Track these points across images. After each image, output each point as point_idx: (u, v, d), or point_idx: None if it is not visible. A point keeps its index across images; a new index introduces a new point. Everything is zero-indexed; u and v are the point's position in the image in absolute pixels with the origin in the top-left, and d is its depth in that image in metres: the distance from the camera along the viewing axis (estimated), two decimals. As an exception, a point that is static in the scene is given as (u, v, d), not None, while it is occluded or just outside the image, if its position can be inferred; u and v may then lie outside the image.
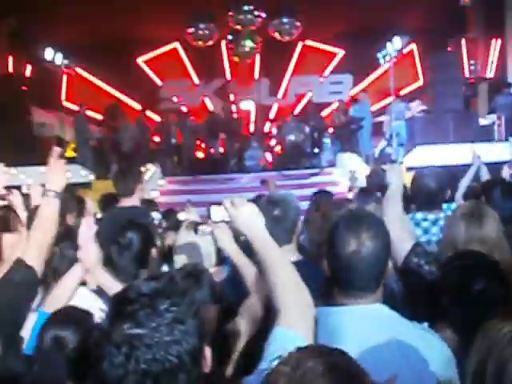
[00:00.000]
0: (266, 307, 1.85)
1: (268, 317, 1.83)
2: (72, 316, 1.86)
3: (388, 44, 11.07)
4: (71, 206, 3.55)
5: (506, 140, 9.70)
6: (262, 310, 1.86)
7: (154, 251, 2.54)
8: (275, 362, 0.95)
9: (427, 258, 2.07)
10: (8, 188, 3.17)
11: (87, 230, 1.98)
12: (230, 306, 2.04)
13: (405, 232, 2.17)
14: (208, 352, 1.10)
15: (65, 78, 12.40)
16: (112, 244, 2.45)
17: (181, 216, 3.09)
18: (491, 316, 1.18)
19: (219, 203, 1.67)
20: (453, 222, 2.28)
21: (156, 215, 2.92)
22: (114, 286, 1.85)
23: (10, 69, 12.12)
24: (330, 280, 1.54)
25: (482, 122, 10.40)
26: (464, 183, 4.25)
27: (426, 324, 1.59)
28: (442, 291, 1.69)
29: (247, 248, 2.16)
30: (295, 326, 1.31)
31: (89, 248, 1.98)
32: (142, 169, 9.80)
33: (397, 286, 2.12)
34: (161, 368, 1.00)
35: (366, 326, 1.42)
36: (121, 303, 1.06)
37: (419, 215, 2.99)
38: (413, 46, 12.83)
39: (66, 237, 2.37)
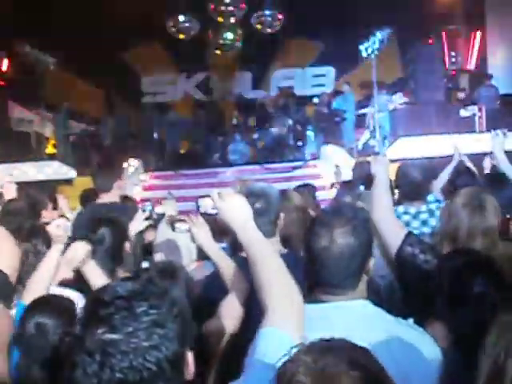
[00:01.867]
0: (246, 306, 1.82)
1: (248, 316, 1.81)
2: (53, 303, 1.85)
3: (370, 36, 11.07)
4: (44, 203, 3.49)
5: (488, 131, 9.79)
6: (242, 309, 1.82)
7: (127, 246, 2.49)
8: (295, 350, 0.90)
9: (421, 246, 2.01)
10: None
11: (56, 230, 1.96)
12: (210, 303, 2.00)
13: (395, 222, 2.14)
14: (190, 357, 1.03)
15: (44, 72, 12.14)
16: (85, 240, 2.41)
17: (158, 209, 3.04)
18: (492, 316, 1.13)
19: (207, 195, 1.63)
20: (453, 212, 2.14)
21: (148, 207, 2.88)
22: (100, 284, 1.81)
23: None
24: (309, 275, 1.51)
25: (463, 113, 10.49)
26: (443, 176, 4.25)
27: (411, 320, 1.55)
28: (439, 290, 1.63)
29: (233, 244, 2.13)
30: (284, 326, 1.24)
31: (73, 246, 1.98)
32: (124, 164, 9.75)
33: (382, 282, 2.08)
34: (138, 377, 0.92)
35: (346, 322, 1.38)
36: (95, 306, 0.98)
37: (400, 208, 2.95)
38: (395, 37, 12.86)
39: (38, 233, 2.33)
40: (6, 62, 11.84)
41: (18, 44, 10.48)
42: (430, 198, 3.03)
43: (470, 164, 4.64)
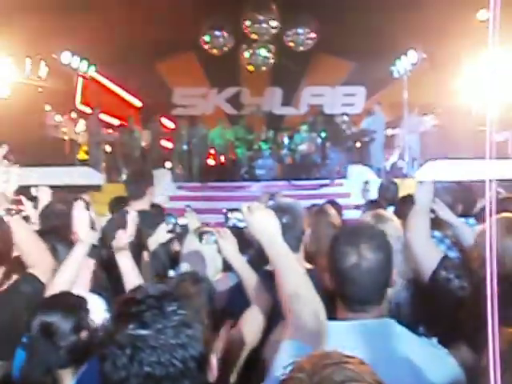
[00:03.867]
0: (268, 318, 1.83)
1: (269, 331, 1.82)
2: (60, 301, 1.79)
3: (403, 57, 11.05)
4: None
5: (521, 157, 9.60)
6: (263, 322, 1.83)
7: (145, 256, 2.52)
8: (290, 368, 0.91)
9: (457, 271, 1.99)
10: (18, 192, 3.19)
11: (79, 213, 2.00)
12: (233, 314, 2.01)
13: (432, 246, 2.13)
14: (214, 360, 1.06)
15: (80, 80, 12.50)
16: (104, 247, 2.45)
17: (181, 221, 3.08)
18: None
19: (236, 209, 1.66)
20: (497, 237, 2.09)
21: (171, 219, 2.91)
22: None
23: (27, 70, 12.24)
24: (332, 293, 1.51)
25: (496, 138, 10.31)
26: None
27: (434, 339, 1.54)
28: (474, 314, 1.60)
29: (257, 257, 2.14)
30: (307, 340, 1.26)
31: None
32: (154, 172, 9.89)
33: (402, 299, 2.06)
34: (164, 372, 0.96)
35: (371, 341, 1.38)
36: (127, 303, 1.03)
37: None
38: (427, 59, 12.79)
39: (58, 234, 2.37)
40: (45, 69, 12.23)
41: (57, 51, 10.82)
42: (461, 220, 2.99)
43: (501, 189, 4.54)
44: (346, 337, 1.39)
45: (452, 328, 1.68)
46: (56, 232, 2.43)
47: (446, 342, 1.57)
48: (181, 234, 2.93)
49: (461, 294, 1.89)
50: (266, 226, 1.46)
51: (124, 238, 2.13)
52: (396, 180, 9.25)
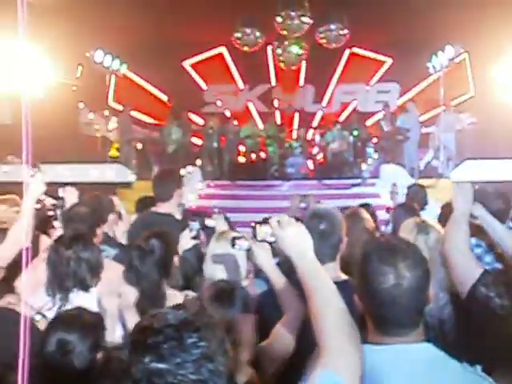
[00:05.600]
0: (299, 334, 1.73)
1: (300, 345, 1.72)
2: (79, 319, 1.72)
3: (440, 53, 10.72)
4: (110, 208, 3.51)
5: None
6: (295, 335, 1.74)
7: (176, 261, 2.47)
8: None
9: (498, 288, 1.83)
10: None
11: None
12: (265, 322, 1.93)
13: (471, 259, 1.98)
14: None
15: (113, 79, 12.64)
16: (134, 249, 2.41)
17: (208, 223, 3.01)
18: None
19: (265, 222, 1.55)
20: None
21: (195, 225, 2.85)
22: None
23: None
24: (363, 316, 1.38)
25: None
26: None
27: (479, 368, 1.40)
28: None
29: (290, 263, 2.05)
30: (340, 369, 1.15)
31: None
32: (182, 171, 9.93)
33: (446, 315, 1.91)
34: None
35: (411, 367, 1.27)
36: (144, 332, 0.94)
37: (472, 240, 2.67)
38: (465, 55, 12.40)
39: (80, 239, 2.34)
40: (79, 68, 12.42)
41: (91, 50, 10.97)
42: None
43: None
44: (383, 364, 1.28)
45: (496, 352, 1.53)
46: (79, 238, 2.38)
47: (491, 368, 1.42)
48: (208, 236, 2.86)
49: (501, 314, 1.73)
50: (296, 242, 1.36)
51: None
52: (430, 180, 9.06)
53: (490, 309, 1.77)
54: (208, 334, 0.93)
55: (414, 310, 1.34)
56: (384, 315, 1.34)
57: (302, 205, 3.44)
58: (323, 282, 1.30)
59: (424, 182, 8.31)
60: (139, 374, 0.89)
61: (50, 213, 3.03)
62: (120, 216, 3.60)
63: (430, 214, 4.00)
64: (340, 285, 1.52)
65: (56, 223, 3.04)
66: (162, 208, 3.34)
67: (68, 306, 2.04)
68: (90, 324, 1.70)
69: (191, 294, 2.41)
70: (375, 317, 1.36)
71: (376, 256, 1.36)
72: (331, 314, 1.23)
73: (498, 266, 2.48)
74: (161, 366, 0.89)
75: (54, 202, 3.12)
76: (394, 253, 1.35)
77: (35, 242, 2.84)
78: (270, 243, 1.60)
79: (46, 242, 3.03)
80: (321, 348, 1.20)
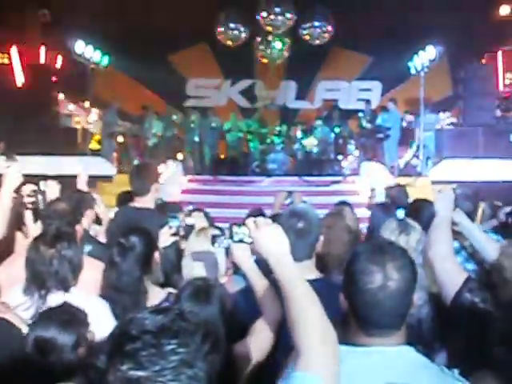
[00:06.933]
0: (277, 333, 1.75)
1: (277, 345, 1.74)
2: (59, 314, 1.66)
3: (421, 52, 10.83)
4: (90, 202, 3.46)
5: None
6: (272, 336, 1.75)
7: (157, 257, 2.47)
8: None
9: (483, 295, 1.83)
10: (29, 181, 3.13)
11: None
12: (241, 320, 1.94)
13: (455, 264, 2.00)
14: None
15: (94, 71, 12.49)
16: (115, 245, 2.39)
17: (188, 220, 3.00)
18: None
19: (242, 223, 1.56)
20: None
21: (174, 222, 2.83)
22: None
23: (42, 60, 12.27)
24: (347, 316, 1.39)
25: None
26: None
27: (456, 371, 1.42)
28: (502, 341, 1.50)
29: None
30: (317, 371, 1.16)
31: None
32: (163, 165, 9.87)
33: (424, 315, 1.94)
34: None
35: (390, 370, 1.28)
36: (121, 339, 0.92)
37: (455, 244, 2.66)
38: (445, 56, 12.57)
39: (64, 237, 2.30)
40: (60, 59, 12.23)
41: (72, 41, 10.80)
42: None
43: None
44: (362, 366, 1.29)
45: (476, 356, 1.55)
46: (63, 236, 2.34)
47: (469, 371, 1.45)
48: (186, 234, 2.86)
49: (487, 319, 1.73)
50: (273, 245, 1.35)
51: None
52: (409, 178, 9.17)
53: (474, 314, 1.78)
54: (187, 339, 0.92)
55: (398, 312, 1.34)
56: (367, 316, 1.34)
57: (287, 201, 3.46)
58: (299, 285, 1.29)
59: (403, 180, 8.42)
60: (117, 382, 0.88)
61: (30, 199, 2.92)
62: (98, 217, 3.51)
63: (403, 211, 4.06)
64: (316, 283, 1.54)
65: (28, 220, 2.95)
66: (139, 203, 3.33)
67: (46, 306, 1.99)
68: (71, 319, 1.65)
69: (173, 291, 2.41)
70: (358, 317, 1.36)
71: (364, 255, 1.36)
72: (308, 319, 1.23)
73: (469, 266, 2.52)
74: (139, 373, 0.88)
75: (34, 187, 3.03)
76: (382, 253, 1.34)
77: (10, 238, 2.78)
78: (247, 243, 1.60)
79: (20, 239, 2.97)
80: (298, 351, 1.21)
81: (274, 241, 1.36)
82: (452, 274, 1.92)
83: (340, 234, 2.97)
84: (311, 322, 1.22)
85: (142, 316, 0.96)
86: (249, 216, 4.64)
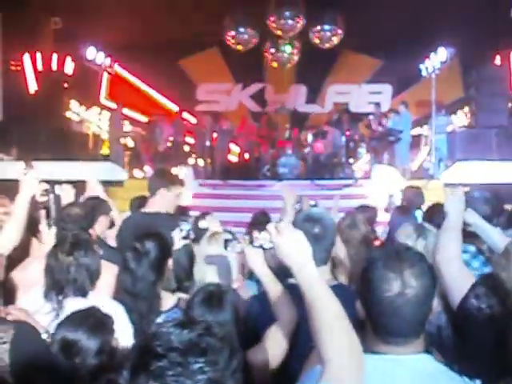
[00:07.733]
0: (292, 340, 1.72)
1: (292, 351, 1.71)
2: (88, 318, 1.66)
3: (432, 55, 10.75)
4: (105, 208, 3.45)
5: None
6: (287, 341, 1.73)
7: (170, 263, 2.45)
8: None
9: (490, 300, 1.76)
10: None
11: None
12: (255, 325, 1.92)
13: (463, 268, 1.96)
14: None
15: (105, 76, 12.57)
16: (129, 250, 2.38)
17: (201, 224, 2.97)
18: None
19: (263, 229, 1.51)
20: None
21: (185, 226, 2.82)
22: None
23: (54, 66, 12.38)
24: (363, 323, 1.35)
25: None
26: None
27: (478, 382, 1.37)
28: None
29: (283, 268, 2.04)
30: (342, 382, 1.12)
31: None
32: (175, 170, 9.88)
33: (444, 322, 1.89)
34: None
35: (409, 379, 1.24)
36: (146, 356, 0.88)
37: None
38: (457, 57, 12.47)
39: (81, 245, 2.31)
40: (71, 66, 12.33)
41: (84, 47, 10.89)
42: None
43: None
44: (381, 375, 1.25)
45: (492, 365, 1.50)
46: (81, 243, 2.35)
47: (490, 381, 1.39)
48: (199, 237, 2.84)
49: (494, 328, 1.65)
50: (295, 251, 1.30)
51: None
52: (421, 181, 9.09)
53: (481, 321, 1.71)
54: (215, 357, 0.88)
55: (417, 320, 1.30)
56: (385, 324, 1.30)
57: (297, 206, 3.44)
58: (323, 291, 1.25)
59: (415, 183, 8.34)
60: None
61: (42, 199, 2.92)
62: (112, 223, 3.51)
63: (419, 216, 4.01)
64: (334, 289, 1.51)
65: (42, 226, 2.96)
66: (150, 207, 3.31)
67: (64, 312, 1.99)
68: (98, 324, 1.63)
69: (184, 296, 2.39)
70: (376, 325, 1.32)
71: (381, 262, 1.31)
72: (334, 332, 1.18)
73: (486, 270, 2.46)
74: None
75: (46, 186, 3.03)
76: (399, 259, 1.30)
77: (25, 242, 2.80)
78: (267, 249, 1.56)
79: (36, 245, 2.99)
80: (324, 362, 1.17)
81: (296, 248, 1.31)
82: (458, 279, 1.87)
83: (357, 246, 2.94)
84: (338, 334, 1.18)
85: (166, 331, 0.91)
86: (254, 219, 4.63)
